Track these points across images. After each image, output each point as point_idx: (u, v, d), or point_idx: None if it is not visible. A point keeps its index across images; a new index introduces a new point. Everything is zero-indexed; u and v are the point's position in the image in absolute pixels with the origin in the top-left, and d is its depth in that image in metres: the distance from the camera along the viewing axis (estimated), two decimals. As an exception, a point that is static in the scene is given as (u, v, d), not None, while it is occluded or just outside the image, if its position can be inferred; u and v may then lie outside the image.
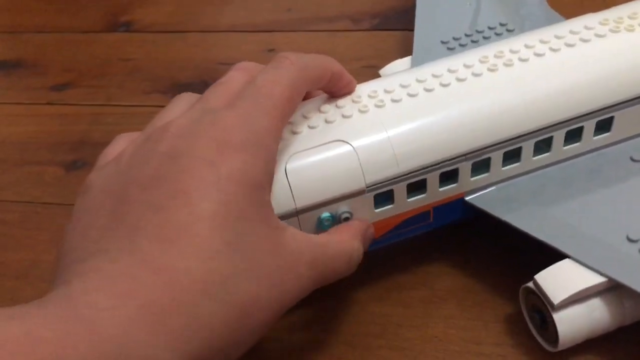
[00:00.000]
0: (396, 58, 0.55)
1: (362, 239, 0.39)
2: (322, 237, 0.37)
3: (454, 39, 0.55)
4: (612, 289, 0.38)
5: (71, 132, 0.66)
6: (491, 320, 0.43)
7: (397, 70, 0.50)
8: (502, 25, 0.55)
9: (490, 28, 0.55)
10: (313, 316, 0.46)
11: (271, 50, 0.72)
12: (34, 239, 0.55)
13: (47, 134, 0.67)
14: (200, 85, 0.69)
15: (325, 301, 0.46)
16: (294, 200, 0.38)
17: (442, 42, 0.55)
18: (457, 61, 0.43)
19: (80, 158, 0.63)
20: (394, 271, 0.48)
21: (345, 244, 0.37)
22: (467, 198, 0.43)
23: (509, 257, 0.45)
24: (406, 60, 0.55)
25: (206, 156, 0.31)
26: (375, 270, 0.48)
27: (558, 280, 0.38)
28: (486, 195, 0.43)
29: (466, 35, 0.55)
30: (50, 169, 0.62)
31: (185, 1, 0.83)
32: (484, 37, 0.54)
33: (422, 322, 0.44)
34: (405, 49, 0.59)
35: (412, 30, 0.58)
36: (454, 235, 0.48)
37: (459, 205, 0.43)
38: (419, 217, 0.43)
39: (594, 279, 0.37)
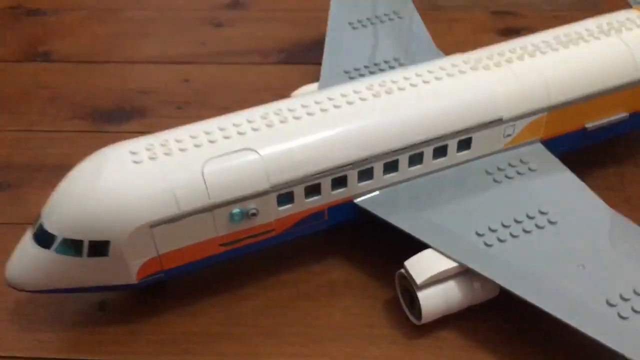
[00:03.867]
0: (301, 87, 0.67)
1: None
2: None
3: (355, 69, 0.68)
4: (464, 274, 0.51)
5: (-6, 156, 0.73)
6: (379, 306, 0.56)
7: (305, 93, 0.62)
8: (395, 59, 0.69)
9: (385, 62, 0.69)
10: (225, 315, 0.56)
11: (186, 80, 0.83)
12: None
13: (-30, 158, 0.72)
14: (119, 113, 0.78)
15: (236, 303, 0.56)
16: (209, 197, 0.49)
17: (345, 72, 0.68)
18: (349, 88, 0.55)
19: (5, 180, 0.70)
20: (297, 269, 0.59)
21: None
22: (355, 200, 0.55)
23: (390, 251, 0.57)
24: (314, 86, 0.67)
25: None
26: (279, 269, 0.59)
27: (422, 265, 0.50)
28: (371, 199, 0.55)
29: (365, 67, 0.68)
30: (-25, 192, 0.68)
31: (101, 34, 0.92)
32: (380, 69, 0.68)
33: (325, 312, 0.56)
34: (309, 80, 0.71)
35: (314, 64, 0.70)
36: (346, 235, 0.60)
37: (349, 206, 0.55)
38: (316, 215, 0.54)
39: (449, 264, 0.50)
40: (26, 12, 0.98)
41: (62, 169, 0.67)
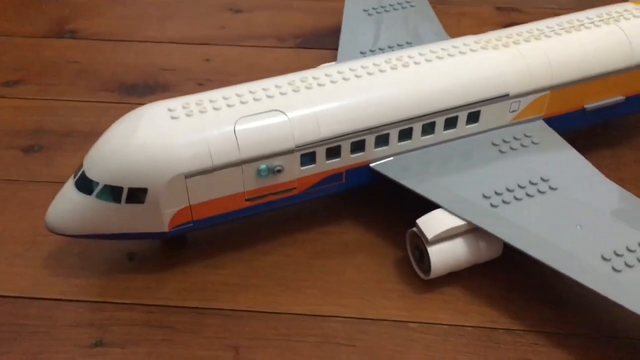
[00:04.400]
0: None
1: None
2: None
3: (370, 51, 0.73)
4: (471, 233, 0.56)
5: (26, 121, 0.77)
6: (390, 264, 0.60)
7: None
8: (408, 43, 0.74)
9: (398, 45, 0.74)
10: (246, 268, 0.60)
11: (207, 60, 0.88)
12: (-1, 210, 0.66)
13: (2, 123, 0.77)
14: (144, 87, 0.83)
15: (256, 258, 0.61)
16: (240, 153, 0.54)
17: (361, 52, 0.73)
18: (369, 61, 0.60)
19: (37, 143, 0.74)
20: (313, 229, 0.63)
21: None
22: (371, 165, 0.60)
23: (399, 214, 0.62)
24: (333, 64, 0.72)
25: None
26: (297, 229, 0.63)
27: (433, 222, 0.55)
28: (386, 163, 0.60)
29: (379, 49, 0.73)
30: (9, 152, 0.73)
31: (125, 16, 0.97)
32: (393, 51, 0.73)
33: (339, 269, 0.60)
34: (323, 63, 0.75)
35: (329, 49, 0.77)
36: (359, 200, 0.65)
37: (366, 170, 0.60)
38: (334, 177, 0.59)
39: (457, 222, 0.55)
40: (52, -7, 1.02)
41: (90, 135, 0.72)
